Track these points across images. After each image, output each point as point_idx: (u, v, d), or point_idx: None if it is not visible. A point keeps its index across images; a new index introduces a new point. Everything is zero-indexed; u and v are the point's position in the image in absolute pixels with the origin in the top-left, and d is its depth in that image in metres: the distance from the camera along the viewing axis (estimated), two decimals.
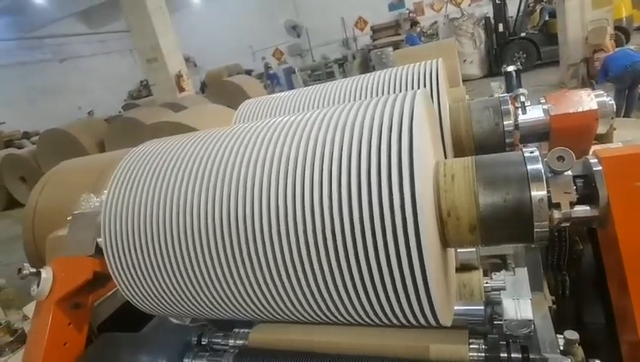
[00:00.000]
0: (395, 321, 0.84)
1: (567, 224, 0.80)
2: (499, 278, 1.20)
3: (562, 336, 0.96)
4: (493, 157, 0.84)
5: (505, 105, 1.28)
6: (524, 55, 10.85)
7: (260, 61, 17.94)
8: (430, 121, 0.90)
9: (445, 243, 0.84)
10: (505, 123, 1.28)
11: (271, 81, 15.78)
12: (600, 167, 0.77)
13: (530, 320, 1.02)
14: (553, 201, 0.79)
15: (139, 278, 1.01)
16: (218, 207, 0.86)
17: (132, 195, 0.98)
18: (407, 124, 0.73)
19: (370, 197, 0.71)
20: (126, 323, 1.56)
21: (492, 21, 11.28)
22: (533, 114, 1.27)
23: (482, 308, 1.21)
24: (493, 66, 11.41)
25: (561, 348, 0.94)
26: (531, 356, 1.07)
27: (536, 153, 0.80)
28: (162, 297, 1.03)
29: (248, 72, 15.69)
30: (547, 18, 10.78)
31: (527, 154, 0.80)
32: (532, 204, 0.76)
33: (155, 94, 9.62)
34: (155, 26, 8.31)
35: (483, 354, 1.18)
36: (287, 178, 0.80)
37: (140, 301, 1.07)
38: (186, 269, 0.95)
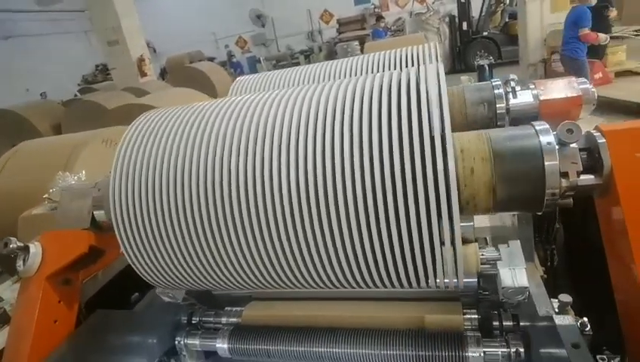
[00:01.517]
0: (410, 284, 0.88)
1: (573, 193, 0.87)
2: (493, 250, 1.27)
3: (557, 300, 1.04)
4: (504, 130, 0.89)
5: (498, 89, 1.35)
6: (486, 53, 11.30)
7: (223, 49, 17.56)
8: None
9: (461, 208, 0.88)
10: (497, 106, 1.35)
11: (234, 70, 15.48)
12: (604, 140, 0.84)
13: (525, 287, 1.10)
14: (562, 171, 0.85)
15: (149, 246, 0.98)
16: (234, 169, 0.85)
17: (141, 163, 0.96)
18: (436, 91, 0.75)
19: (397, 161, 0.74)
20: (113, 301, 1.52)
21: (456, 20, 11.66)
22: (524, 98, 1.34)
23: (475, 280, 1.28)
24: (456, 63, 11.81)
25: (556, 310, 1.02)
26: (521, 323, 1.15)
27: (547, 126, 0.86)
28: (171, 265, 1.01)
29: (211, 60, 15.31)
30: (507, 20, 11.29)
31: (538, 128, 0.86)
32: (545, 173, 0.82)
33: (116, 79, 9.20)
34: (117, 6, 7.94)
35: (477, 324, 1.25)
36: (307, 141, 0.82)
37: (148, 271, 1.05)
38: (197, 235, 0.94)
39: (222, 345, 1.42)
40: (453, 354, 1.15)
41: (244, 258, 0.95)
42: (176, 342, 1.49)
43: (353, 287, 1.03)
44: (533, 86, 1.36)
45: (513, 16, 10.61)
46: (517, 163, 0.82)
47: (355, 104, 0.81)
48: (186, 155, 0.93)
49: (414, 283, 0.92)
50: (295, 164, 0.81)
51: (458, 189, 0.85)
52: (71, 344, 1.22)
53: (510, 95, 1.36)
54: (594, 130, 0.87)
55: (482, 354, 1.14)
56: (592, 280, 1.16)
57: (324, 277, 0.96)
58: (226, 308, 1.61)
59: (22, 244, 1.21)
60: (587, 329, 0.89)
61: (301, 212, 0.81)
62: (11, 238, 1.21)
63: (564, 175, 0.84)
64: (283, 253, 0.88)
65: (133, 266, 1.04)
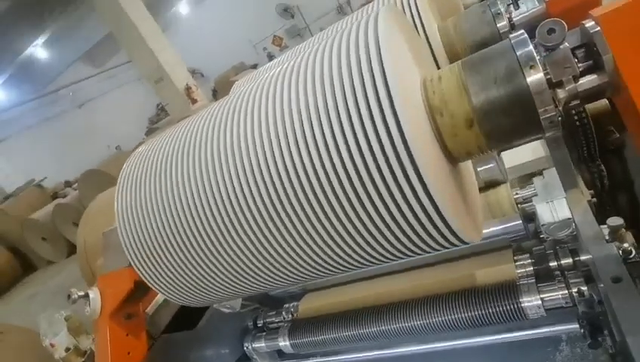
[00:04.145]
0: (420, 251, 0.81)
1: (577, 101, 0.73)
2: (528, 186, 1.14)
3: (606, 225, 0.89)
4: (480, 53, 0.78)
5: (494, 6, 1.19)
6: None
7: (263, 53, 17.84)
8: (407, 36, 0.84)
9: (451, 156, 0.79)
10: (500, 25, 1.19)
11: None
12: (598, 28, 0.69)
13: (568, 219, 0.96)
14: (555, 81, 0.72)
15: (167, 273, 1.02)
16: (229, 183, 0.83)
17: (139, 190, 0.99)
18: (375, 51, 0.66)
19: (356, 136, 0.67)
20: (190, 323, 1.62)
21: None
22: (527, 6, 1.16)
23: (520, 221, 1.15)
24: None
25: (607, 237, 0.87)
26: (582, 257, 1.01)
27: (524, 35, 0.73)
28: (193, 284, 1.04)
29: (254, 67, 15.65)
30: None
31: (514, 40, 0.73)
32: (530, 90, 0.69)
33: (171, 113, 9.81)
34: (152, 46, 8.43)
35: (531, 268, 1.13)
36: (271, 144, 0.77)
37: (176, 294, 1.09)
38: (212, 248, 0.94)
39: (284, 343, 1.45)
40: (506, 308, 1.05)
41: (265, 258, 0.92)
42: (245, 348, 1.55)
43: (390, 260, 0.94)
44: None
45: None
46: (495, 89, 0.71)
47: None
48: (179, 183, 0.93)
49: (436, 247, 0.83)
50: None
51: (442, 141, 0.76)
52: None
53: (512, 7, 1.19)
54: (587, 19, 0.72)
55: (540, 302, 1.03)
56: None
57: (346, 258, 0.90)
58: (285, 306, 1.64)
59: (82, 293, 1.34)
60: (632, 255, 0.75)
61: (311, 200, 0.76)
62: (72, 290, 1.33)
63: (559, 84, 0.71)
64: (314, 241, 0.82)
65: (161, 292, 1.09)
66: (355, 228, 0.75)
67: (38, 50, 12.49)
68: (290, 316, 1.57)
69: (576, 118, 0.97)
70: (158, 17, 11.29)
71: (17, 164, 15.12)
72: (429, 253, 0.83)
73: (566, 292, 1.00)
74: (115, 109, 17.97)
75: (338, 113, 0.68)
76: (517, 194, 1.10)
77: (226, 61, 16.37)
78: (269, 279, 0.95)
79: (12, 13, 8.94)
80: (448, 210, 0.67)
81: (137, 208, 0.98)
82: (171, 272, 1.01)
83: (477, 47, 1.21)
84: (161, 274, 1.03)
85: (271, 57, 16.77)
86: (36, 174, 12.96)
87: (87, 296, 1.33)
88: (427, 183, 0.64)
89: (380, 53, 0.65)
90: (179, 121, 1.14)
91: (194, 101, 9.30)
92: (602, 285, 0.72)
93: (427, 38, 1.08)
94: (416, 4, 1.11)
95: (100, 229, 2.94)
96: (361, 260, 0.86)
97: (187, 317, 1.67)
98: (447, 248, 0.78)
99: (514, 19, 1.18)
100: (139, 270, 1.04)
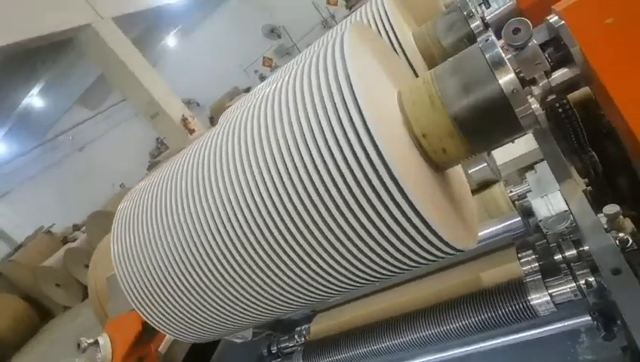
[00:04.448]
0: (416, 264, 0.80)
1: (553, 96, 0.73)
2: (523, 181, 1.13)
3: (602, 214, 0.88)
4: (449, 61, 0.78)
5: (465, 8, 1.19)
6: None
7: (254, 75, 18.01)
8: (378, 51, 0.84)
9: (436, 165, 0.78)
10: (473, 26, 1.20)
11: None
12: (562, 22, 0.69)
13: (565, 211, 0.95)
14: (528, 78, 0.72)
15: (170, 312, 1.01)
16: (218, 218, 0.83)
17: (132, 234, 0.99)
18: (345, 82, 0.66)
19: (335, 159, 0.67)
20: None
21: None
22: (498, 3, 1.17)
23: (519, 218, 1.14)
24: None
25: (605, 226, 0.86)
26: (586, 247, 1.00)
27: (492, 38, 0.73)
28: (199, 321, 1.03)
29: (247, 90, 15.80)
30: None
31: (481, 44, 0.73)
32: (505, 91, 0.69)
33: (170, 145, 9.89)
34: (144, 83, 8.54)
35: (536, 264, 1.11)
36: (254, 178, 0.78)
37: (183, 332, 1.09)
38: (212, 283, 0.94)
39: None
40: (515, 307, 1.03)
41: (276, 281, 0.91)
42: None
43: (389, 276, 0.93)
44: None
45: None
46: (469, 96, 0.71)
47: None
48: (170, 221, 0.94)
49: (431, 259, 0.82)
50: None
51: (423, 152, 0.75)
52: None
53: (483, 6, 1.20)
54: (551, 14, 0.73)
55: (549, 297, 1.01)
56: None
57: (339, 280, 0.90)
58: (297, 329, 1.62)
59: (92, 340, 1.33)
60: (629, 245, 0.73)
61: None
62: (81, 339, 1.33)
63: (532, 81, 0.71)
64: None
65: (168, 333, 1.08)
66: (348, 249, 0.75)
67: (34, 99, 12.71)
68: (302, 339, 1.56)
69: (560, 109, 0.97)
70: (147, 53, 11.46)
71: (25, 214, 15.25)
72: (427, 264, 0.82)
73: (574, 284, 0.99)
74: (116, 148, 18.14)
75: (315, 139, 0.68)
76: (511, 191, 1.09)
77: (219, 88, 16.53)
78: (271, 307, 0.94)
79: (5, 69, 9.12)
80: (435, 220, 0.66)
81: (132, 252, 0.99)
82: (174, 312, 1.00)
83: (453, 51, 1.21)
84: (164, 315, 1.02)
85: (263, 79, 16.91)
86: (44, 221, 13.04)
87: (97, 343, 1.33)
88: (410, 196, 0.64)
89: (348, 78, 0.65)
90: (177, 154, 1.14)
91: (191, 131, 9.38)
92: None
93: (402, 49, 1.09)
94: (387, 15, 1.11)
95: (108, 271, 2.93)
96: (363, 278, 0.85)
97: (200, 352, 1.65)
98: (443, 258, 0.77)
99: (487, 18, 1.18)
100: (142, 313, 1.04)
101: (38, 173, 16.15)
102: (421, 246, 0.71)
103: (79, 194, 16.13)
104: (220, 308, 0.95)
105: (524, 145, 1.36)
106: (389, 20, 1.12)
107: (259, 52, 18.20)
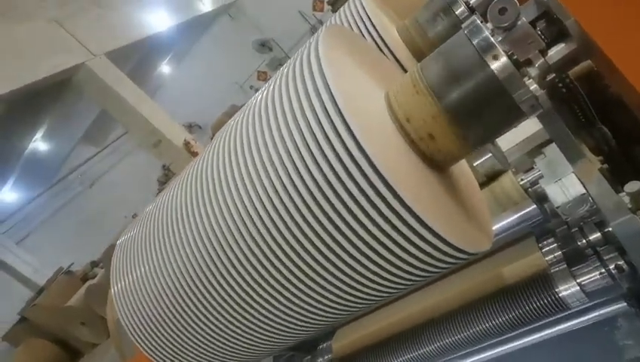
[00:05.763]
0: (429, 273, 0.74)
1: (553, 75, 0.67)
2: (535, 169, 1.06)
3: (624, 193, 0.81)
4: (436, 52, 0.72)
5: None
6: None
7: (250, 91, 18.06)
8: (358, 52, 0.79)
9: (436, 165, 0.73)
10: (458, 12, 1.14)
11: None
12: None
13: (583, 194, 0.88)
14: (522, 60, 0.66)
15: (176, 350, 0.97)
16: (212, 251, 0.79)
17: (126, 277, 0.95)
18: (327, 96, 0.61)
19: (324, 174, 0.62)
20: None
21: None
22: None
23: (534, 206, 1.07)
24: None
25: (629, 205, 0.79)
26: (611, 228, 0.93)
27: (477, 22, 0.67)
28: (207, 357, 0.98)
29: None
30: None
31: (467, 30, 0.68)
32: (498, 78, 0.64)
33: (176, 170, 9.92)
34: (143, 112, 8.59)
35: (560, 252, 1.04)
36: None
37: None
38: (214, 316, 0.89)
39: None
40: (542, 301, 0.96)
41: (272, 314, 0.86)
42: None
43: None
44: None
45: None
46: (461, 86, 0.65)
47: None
48: (167, 260, 0.89)
49: (444, 266, 0.76)
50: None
51: (418, 150, 0.70)
52: None
53: None
54: None
55: (578, 287, 0.95)
56: None
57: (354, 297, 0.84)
58: (319, 347, 1.57)
59: None
60: None
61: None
62: None
63: (528, 62, 0.65)
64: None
65: None
66: (353, 267, 0.69)
67: (38, 143, 12.87)
68: (326, 357, 1.50)
69: (561, 86, 0.90)
70: (145, 83, 11.57)
71: (43, 256, 15.39)
72: (443, 270, 0.76)
73: (603, 270, 0.92)
74: (125, 180, 18.27)
75: (299, 151, 0.63)
76: (522, 179, 1.03)
77: (218, 107, 16.58)
78: (282, 334, 0.89)
79: (8, 118, 9.25)
80: (439, 225, 0.60)
81: (130, 294, 0.94)
82: (180, 349, 0.96)
83: (440, 41, 1.16)
84: (170, 354, 0.98)
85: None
86: (63, 261, 13.14)
87: None
88: (405, 200, 0.58)
89: (327, 86, 0.60)
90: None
91: (194, 154, 9.40)
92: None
93: (386, 45, 1.03)
94: (366, 13, 1.06)
95: None
96: (377, 291, 0.79)
97: None
98: (457, 263, 0.71)
99: (471, 2, 1.12)
100: (149, 355, 0.99)
101: (52, 214, 16.33)
102: (429, 255, 0.65)
103: (94, 230, 16.23)
104: (225, 341, 0.90)
105: (526, 127, 1.29)
106: (368, 18, 1.07)
107: (252, 67, 18.25)
